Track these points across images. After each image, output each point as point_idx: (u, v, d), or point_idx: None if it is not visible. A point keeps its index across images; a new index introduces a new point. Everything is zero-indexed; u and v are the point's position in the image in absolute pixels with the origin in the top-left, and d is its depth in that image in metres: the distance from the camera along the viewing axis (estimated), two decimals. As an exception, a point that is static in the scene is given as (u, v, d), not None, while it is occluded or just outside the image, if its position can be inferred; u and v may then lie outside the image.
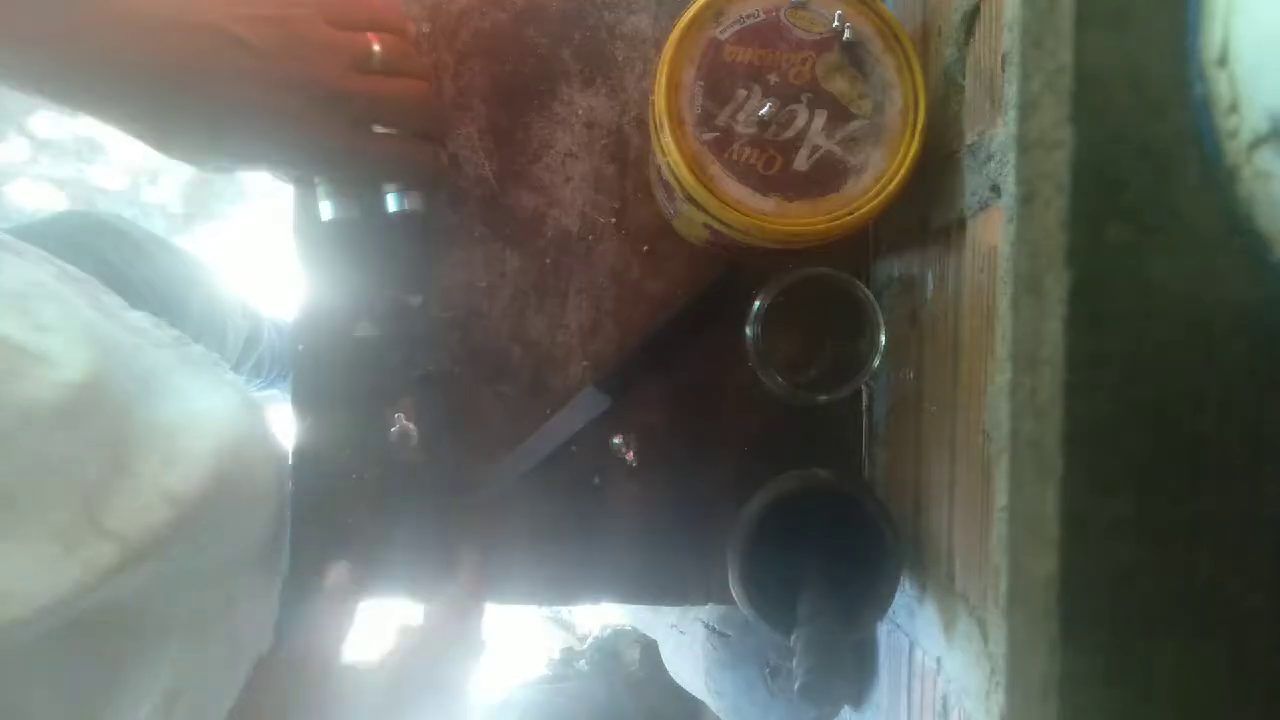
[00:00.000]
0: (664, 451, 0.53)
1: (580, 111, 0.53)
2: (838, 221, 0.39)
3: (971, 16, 0.39)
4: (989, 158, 0.37)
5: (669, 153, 0.39)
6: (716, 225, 0.41)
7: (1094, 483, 0.28)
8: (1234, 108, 0.25)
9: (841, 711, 0.60)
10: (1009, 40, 0.32)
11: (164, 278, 0.66)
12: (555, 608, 1.28)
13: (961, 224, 0.40)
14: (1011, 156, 0.30)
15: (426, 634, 0.48)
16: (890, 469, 0.52)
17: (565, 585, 0.54)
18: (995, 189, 0.36)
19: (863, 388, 0.54)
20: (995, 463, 0.33)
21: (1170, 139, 0.27)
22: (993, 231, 0.37)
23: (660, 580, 0.54)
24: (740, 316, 0.49)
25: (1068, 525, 0.28)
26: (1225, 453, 0.28)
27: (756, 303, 0.47)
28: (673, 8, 0.54)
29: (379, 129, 0.46)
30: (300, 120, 0.41)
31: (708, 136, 0.40)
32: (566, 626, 1.33)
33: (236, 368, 0.83)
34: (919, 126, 0.40)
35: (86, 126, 1.50)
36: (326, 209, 0.49)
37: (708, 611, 0.65)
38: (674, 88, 0.39)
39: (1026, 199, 0.29)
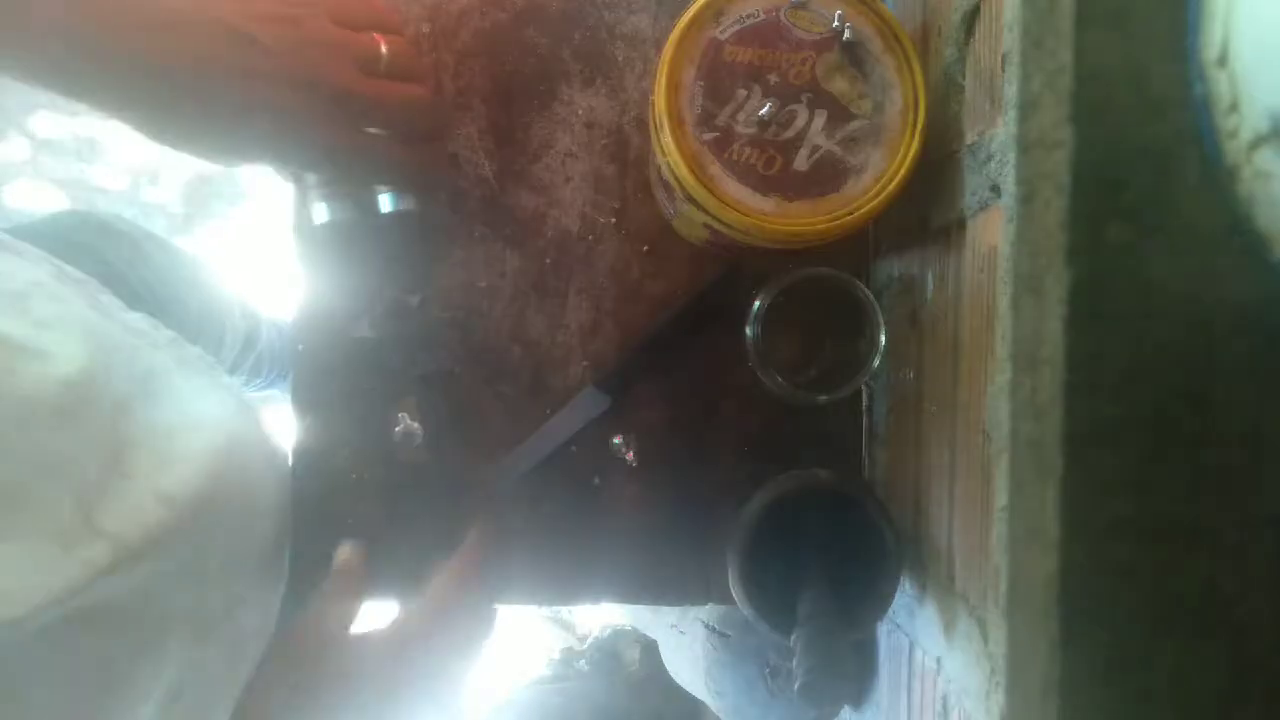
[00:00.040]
0: (664, 451, 0.53)
1: (580, 111, 0.53)
2: (838, 221, 0.39)
3: (971, 16, 0.39)
4: (989, 158, 0.37)
5: (669, 153, 0.39)
6: (716, 225, 0.41)
7: (1094, 483, 0.28)
8: (1234, 107, 0.25)
9: (841, 711, 0.60)
10: (1009, 40, 0.32)
11: (162, 278, 0.66)
12: (555, 608, 1.28)
13: (961, 224, 0.40)
14: (1011, 156, 0.30)
15: (426, 606, 0.48)
16: (890, 469, 0.52)
17: (565, 585, 0.54)
18: (995, 189, 0.36)
19: (863, 388, 0.54)
20: (995, 463, 0.33)
21: (1170, 139, 0.27)
22: (993, 231, 0.37)
23: (660, 580, 0.54)
24: (740, 316, 0.49)
25: (1068, 525, 0.28)
26: (1225, 453, 0.28)
27: (756, 303, 0.47)
28: (673, 8, 0.54)
29: (379, 130, 0.46)
30: (306, 119, 0.41)
31: (708, 136, 0.40)
32: (566, 626, 1.33)
33: (235, 368, 0.83)
34: (919, 126, 0.40)
35: (86, 126, 1.50)
36: (320, 211, 0.49)
37: (708, 611, 0.65)
38: (674, 88, 0.39)
39: (1026, 199, 0.29)
